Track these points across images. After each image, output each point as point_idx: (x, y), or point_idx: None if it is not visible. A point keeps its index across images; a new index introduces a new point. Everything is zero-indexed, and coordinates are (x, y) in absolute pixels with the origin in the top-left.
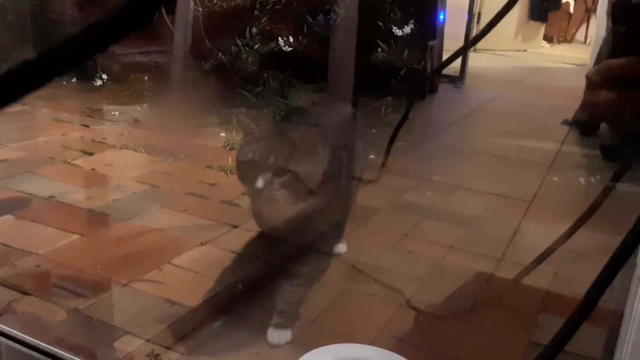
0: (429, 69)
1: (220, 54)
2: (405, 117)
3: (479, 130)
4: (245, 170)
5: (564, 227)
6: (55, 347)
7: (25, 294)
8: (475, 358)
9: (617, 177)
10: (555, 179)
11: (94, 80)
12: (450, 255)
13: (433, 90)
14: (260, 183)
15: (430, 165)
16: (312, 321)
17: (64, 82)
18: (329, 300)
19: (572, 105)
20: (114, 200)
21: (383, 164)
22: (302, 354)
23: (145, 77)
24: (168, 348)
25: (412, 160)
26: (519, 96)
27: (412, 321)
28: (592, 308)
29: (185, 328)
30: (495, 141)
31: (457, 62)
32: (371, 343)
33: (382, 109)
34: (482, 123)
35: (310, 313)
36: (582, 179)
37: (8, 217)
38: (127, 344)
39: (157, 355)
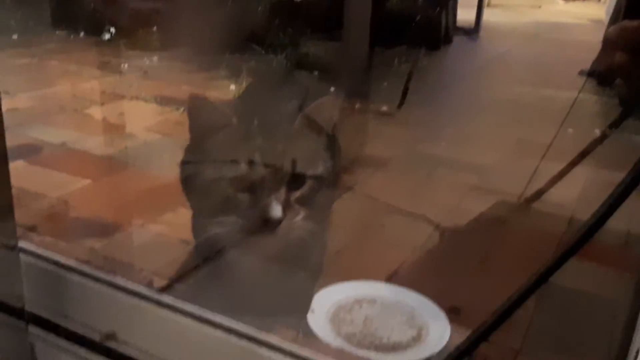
0: (443, 18)
1: (230, 2)
2: (416, 63)
3: (494, 81)
4: (229, 191)
5: (577, 171)
6: (77, 263)
7: (40, 234)
8: (491, 301)
9: (617, 124)
10: (570, 130)
11: (102, 34)
12: (465, 202)
13: (447, 41)
14: (278, 211)
15: (445, 115)
16: (328, 260)
17: (72, 37)
18: (344, 241)
19: (588, 58)
20: (126, 148)
21: (400, 104)
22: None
23: (154, 29)
24: (179, 281)
25: (426, 110)
26: (535, 49)
27: (427, 264)
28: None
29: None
30: (510, 90)
31: (472, 15)
32: (386, 279)
33: (396, 60)
34: (497, 74)
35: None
36: (596, 130)
37: (20, 162)
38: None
39: (170, 285)
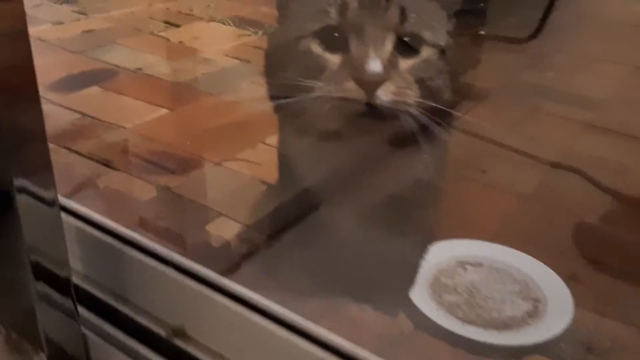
0: None
1: None
2: None
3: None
4: (315, 48)
5: None
6: (135, 232)
7: (113, 169)
8: (617, 267)
9: None
10: None
11: None
12: (580, 140)
13: None
14: (376, 66)
15: (552, 39)
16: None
17: None
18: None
19: None
20: (203, 74)
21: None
22: None
23: None
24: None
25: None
26: None
27: (539, 218)
28: None
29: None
30: (630, 10)
31: None
32: (492, 237)
33: None
34: None
35: None
36: None
37: (95, 89)
38: (221, 227)
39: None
